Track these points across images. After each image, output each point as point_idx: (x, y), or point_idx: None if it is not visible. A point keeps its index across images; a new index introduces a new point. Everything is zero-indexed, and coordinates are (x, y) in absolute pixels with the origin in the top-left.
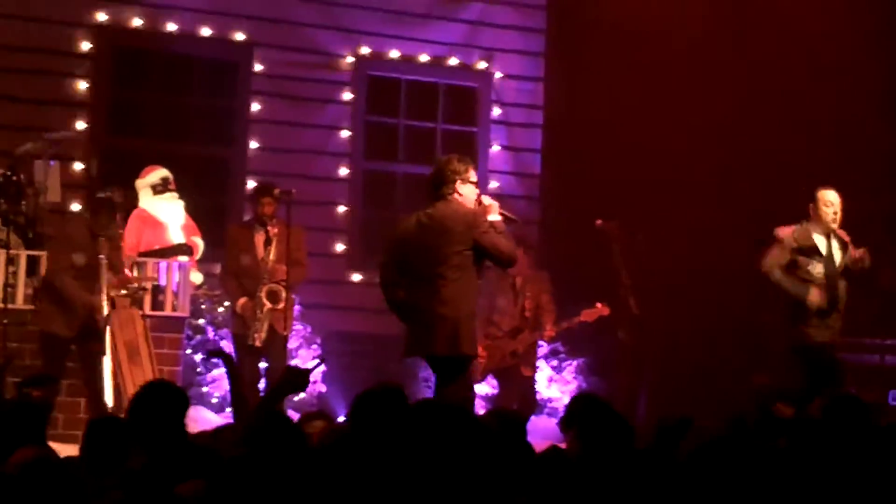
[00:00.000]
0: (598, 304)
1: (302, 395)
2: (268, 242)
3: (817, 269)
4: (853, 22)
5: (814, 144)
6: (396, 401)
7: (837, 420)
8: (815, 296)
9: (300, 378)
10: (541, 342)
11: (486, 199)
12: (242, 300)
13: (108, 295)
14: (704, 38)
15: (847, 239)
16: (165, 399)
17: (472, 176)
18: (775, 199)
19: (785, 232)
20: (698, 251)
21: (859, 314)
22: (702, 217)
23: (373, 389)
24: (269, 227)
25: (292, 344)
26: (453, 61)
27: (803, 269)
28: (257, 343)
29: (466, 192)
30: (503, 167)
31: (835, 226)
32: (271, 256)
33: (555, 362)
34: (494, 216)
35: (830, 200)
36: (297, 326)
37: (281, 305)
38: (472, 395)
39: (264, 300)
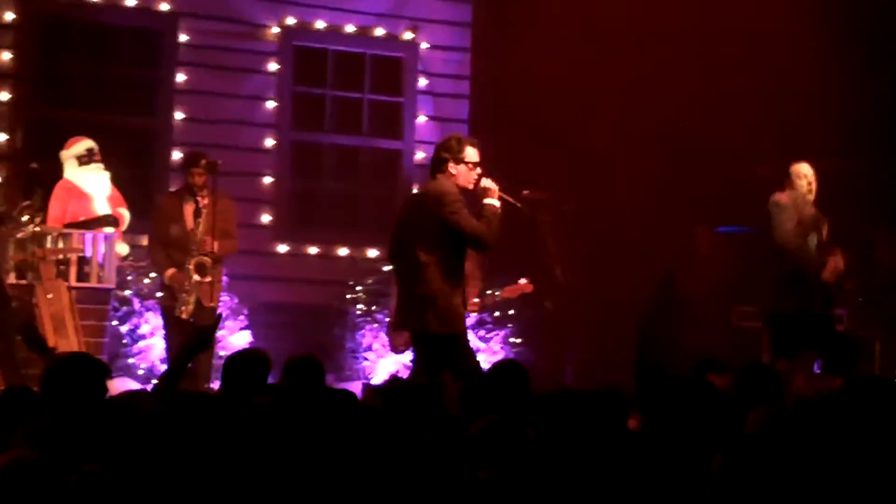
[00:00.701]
0: (521, 281)
1: None
2: (197, 213)
3: (814, 240)
4: None
5: (743, 118)
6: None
7: (749, 389)
8: (830, 269)
9: (204, 336)
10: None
11: (486, 182)
12: (171, 271)
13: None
14: (637, 7)
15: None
16: (80, 372)
17: (470, 156)
18: (702, 172)
19: (786, 197)
20: (625, 221)
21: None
22: (629, 188)
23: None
24: (199, 198)
25: None
26: (380, 31)
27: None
28: (184, 315)
29: (460, 172)
30: (430, 138)
31: (811, 198)
32: (200, 228)
33: (482, 332)
34: (492, 200)
35: (804, 173)
36: (224, 297)
37: (209, 278)
38: (468, 368)
39: (192, 272)
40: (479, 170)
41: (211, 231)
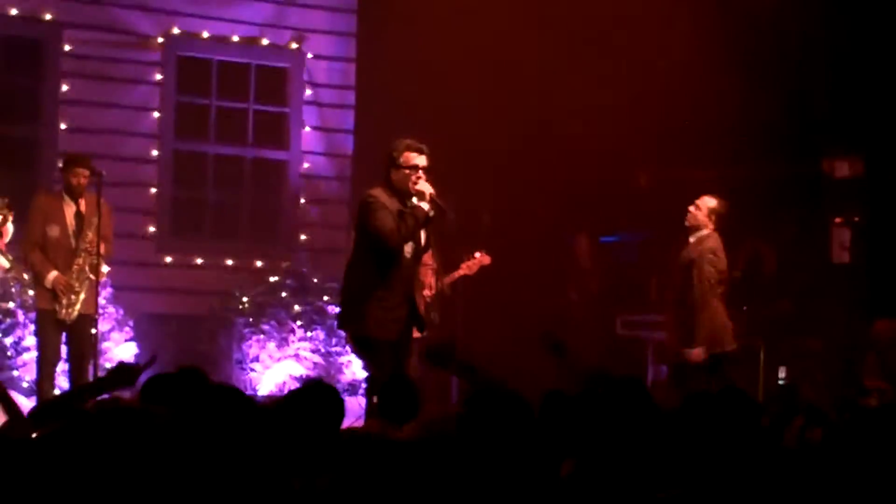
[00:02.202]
0: (477, 255)
1: None
2: (78, 216)
3: None
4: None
5: (626, 124)
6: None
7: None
8: None
9: (130, 375)
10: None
11: (421, 185)
12: (54, 274)
13: None
14: (522, 13)
15: None
16: None
17: (410, 159)
18: (586, 179)
19: None
20: (509, 229)
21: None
22: (513, 196)
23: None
24: (80, 200)
25: (104, 326)
26: (264, 42)
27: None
28: (69, 319)
29: (398, 177)
30: (315, 148)
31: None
32: (90, 230)
33: None
34: (422, 203)
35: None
36: (110, 309)
37: (102, 279)
38: (377, 375)
39: (87, 273)
40: (420, 173)
41: (97, 234)
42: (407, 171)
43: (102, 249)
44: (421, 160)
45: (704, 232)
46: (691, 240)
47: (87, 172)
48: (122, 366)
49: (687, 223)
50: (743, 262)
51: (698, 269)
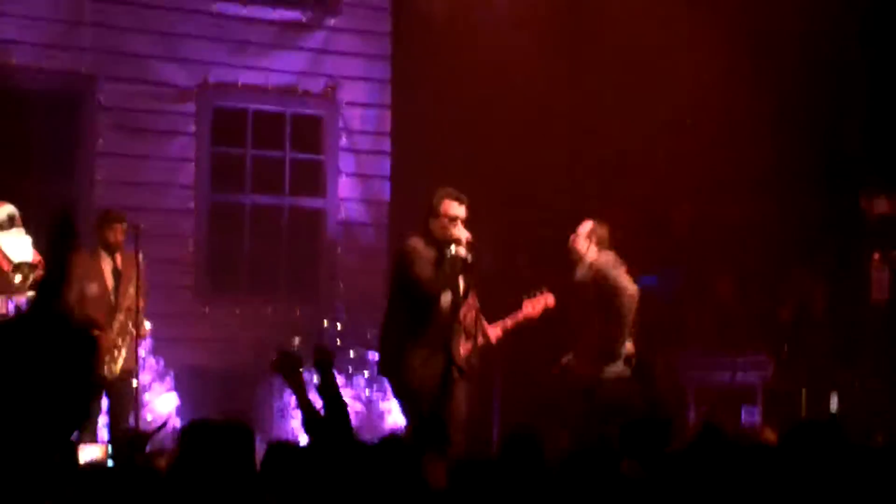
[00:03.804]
0: (539, 293)
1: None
2: (115, 272)
3: None
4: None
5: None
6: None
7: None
8: None
9: (139, 441)
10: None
11: (458, 231)
12: (95, 333)
13: None
14: (547, 65)
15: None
16: None
17: (449, 209)
18: (623, 219)
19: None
20: (546, 270)
21: (709, 330)
22: (549, 239)
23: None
24: (116, 256)
25: (145, 378)
26: (299, 90)
27: None
28: (110, 376)
29: (436, 226)
30: (352, 195)
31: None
32: (131, 287)
33: None
34: (459, 248)
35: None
36: (150, 361)
37: (145, 336)
38: (414, 425)
39: (130, 329)
40: (458, 223)
41: (138, 290)
42: (445, 221)
43: (142, 304)
44: (460, 210)
45: (591, 257)
46: (579, 269)
47: (124, 227)
48: (135, 436)
49: (570, 256)
50: (792, 306)
51: (597, 290)
